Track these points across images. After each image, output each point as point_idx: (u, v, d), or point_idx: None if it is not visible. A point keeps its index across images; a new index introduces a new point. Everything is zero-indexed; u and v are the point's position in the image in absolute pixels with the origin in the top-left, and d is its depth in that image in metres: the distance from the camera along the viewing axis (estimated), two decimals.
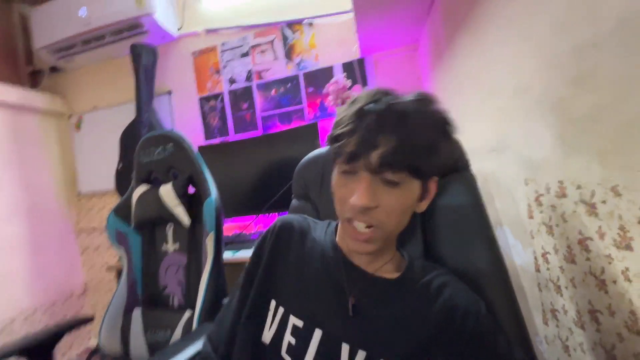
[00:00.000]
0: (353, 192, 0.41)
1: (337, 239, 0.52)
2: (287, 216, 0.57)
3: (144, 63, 1.73)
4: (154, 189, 1.09)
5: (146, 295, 1.10)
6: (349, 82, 1.41)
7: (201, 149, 1.66)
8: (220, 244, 0.97)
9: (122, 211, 1.14)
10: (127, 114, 1.81)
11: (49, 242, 1.93)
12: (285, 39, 1.72)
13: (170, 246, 1.10)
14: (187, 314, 0.97)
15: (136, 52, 1.71)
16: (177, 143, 1.07)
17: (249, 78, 1.78)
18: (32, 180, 1.87)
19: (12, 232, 1.73)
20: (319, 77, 1.66)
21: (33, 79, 2.10)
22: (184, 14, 1.85)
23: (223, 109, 1.83)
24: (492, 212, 0.56)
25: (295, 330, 0.45)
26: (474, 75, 0.91)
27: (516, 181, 0.70)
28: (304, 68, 1.69)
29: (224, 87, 1.82)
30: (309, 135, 1.45)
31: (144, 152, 1.12)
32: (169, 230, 1.11)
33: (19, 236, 1.76)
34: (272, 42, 1.74)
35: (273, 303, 0.48)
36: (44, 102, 1.99)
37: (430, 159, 0.41)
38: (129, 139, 1.75)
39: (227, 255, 1.30)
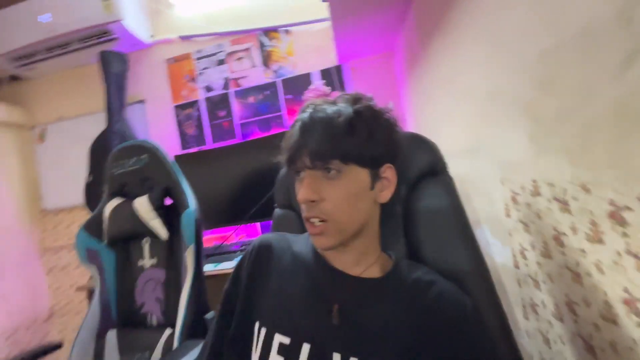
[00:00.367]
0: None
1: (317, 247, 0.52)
2: (265, 235, 0.56)
3: (114, 71, 1.66)
4: (128, 202, 1.04)
5: (121, 315, 1.04)
6: (328, 89, 1.42)
7: (177, 157, 1.61)
8: (200, 257, 0.94)
9: (93, 227, 1.07)
10: (96, 124, 1.72)
11: (9, 264, 1.78)
12: (262, 46, 1.72)
13: (147, 261, 1.05)
14: (167, 333, 0.93)
15: (105, 60, 1.65)
16: (152, 153, 1.03)
17: (226, 86, 1.76)
18: None
19: None
20: (298, 84, 1.66)
21: None
22: (157, 20, 1.81)
23: (199, 117, 1.78)
24: (470, 213, 0.57)
25: (282, 349, 0.44)
26: (448, 80, 0.94)
27: (492, 181, 0.73)
28: (282, 75, 1.69)
29: (200, 95, 1.79)
30: None
31: (117, 163, 1.07)
32: (145, 244, 1.06)
33: None
34: (249, 49, 1.73)
35: (256, 325, 0.47)
36: (3, 113, 1.85)
37: (357, 143, 0.43)
38: (100, 150, 1.66)
39: (209, 267, 1.26)
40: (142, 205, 1.00)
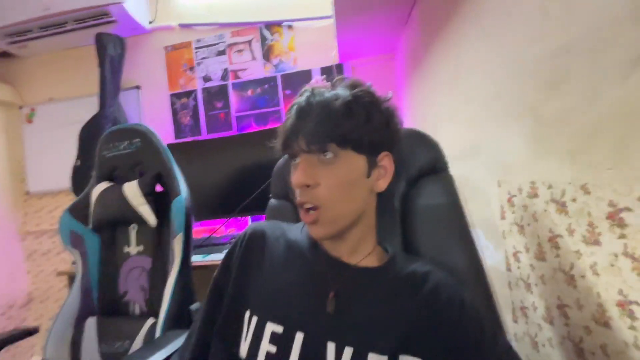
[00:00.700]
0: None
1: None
2: (258, 223, 0.55)
3: (110, 54, 1.62)
4: (117, 186, 1.01)
5: (103, 302, 1.00)
6: (328, 84, 1.41)
7: (171, 146, 1.56)
8: (189, 246, 0.92)
9: (78, 210, 1.04)
10: (87, 108, 1.68)
11: None
12: (263, 39, 1.70)
13: (133, 248, 1.02)
14: (149, 322, 0.90)
15: (102, 42, 1.61)
16: (145, 138, 1.01)
17: (224, 77, 1.74)
18: None
19: None
20: (297, 80, 1.65)
21: None
22: (157, 6, 1.77)
23: (196, 107, 1.76)
24: (466, 214, 0.57)
25: (275, 337, 0.42)
26: (449, 82, 0.94)
27: (489, 183, 0.73)
28: (282, 70, 1.68)
29: (198, 85, 1.76)
30: None
31: (108, 146, 1.04)
32: (132, 231, 1.03)
33: None
34: (249, 42, 1.71)
35: (247, 314, 0.46)
36: None
37: (354, 126, 0.42)
38: (90, 134, 1.61)
39: (197, 258, 1.23)
40: (132, 190, 0.97)
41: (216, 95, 1.74)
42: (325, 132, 0.42)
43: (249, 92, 1.71)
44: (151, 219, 0.97)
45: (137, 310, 0.98)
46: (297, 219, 0.66)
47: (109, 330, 0.93)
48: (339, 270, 0.46)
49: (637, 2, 0.35)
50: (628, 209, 0.38)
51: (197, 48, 1.76)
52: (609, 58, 0.39)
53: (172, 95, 1.78)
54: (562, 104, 0.47)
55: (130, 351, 0.87)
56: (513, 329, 0.71)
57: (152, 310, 0.94)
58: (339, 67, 1.62)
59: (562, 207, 0.49)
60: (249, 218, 1.61)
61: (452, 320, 0.41)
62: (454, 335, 0.40)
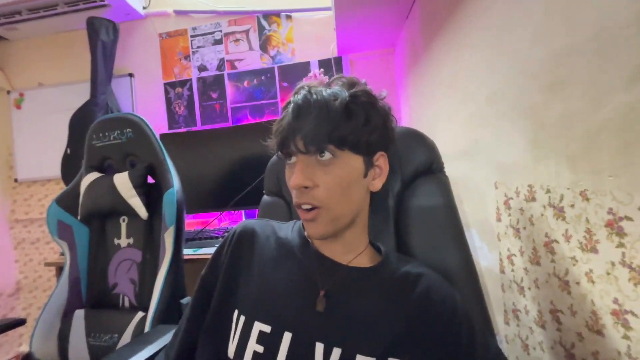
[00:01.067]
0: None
1: (306, 234, 0.50)
2: (248, 221, 0.54)
3: (103, 39, 1.57)
4: (108, 177, 0.99)
5: (91, 294, 0.99)
6: (326, 78, 1.39)
7: (164, 137, 1.54)
8: (180, 239, 0.90)
9: (66, 201, 1.01)
10: (78, 95, 1.63)
11: None
12: (261, 29, 1.66)
13: (124, 240, 1.00)
14: (138, 316, 0.89)
15: (94, 27, 1.55)
16: (137, 128, 0.98)
17: (220, 67, 1.70)
18: None
19: None
20: (295, 72, 1.62)
21: None
22: None
23: (191, 97, 1.72)
24: (460, 215, 0.56)
25: (263, 337, 0.42)
26: (449, 81, 0.93)
27: (486, 185, 0.72)
28: (279, 61, 1.65)
29: (193, 74, 1.72)
30: None
31: (98, 135, 1.01)
32: (123, 223, 1.01)
33: None
34: (247, 31, 1.67)
35: (235, 313, 0.45)
36: None
37: (353, 128, 0.42)
38: (81, 122, 1.57)
39: (188, 251, 1.22)
40: (123, 182, 0.95)
41: (211, 85, 1.70)
42: (324, 134, 0.41)
43: (245, 83, 1.67)
44: (142, 211, 0.95)
45: (126, 304, 0.96)
46: (290, 217, 0.65)
47: (97, 323, 0.92)
48: (330, 270, 0.45)
49: None
50: (628, 218, 0.37)
51: (192, 36, 1.72)
52: (614, 62, 0.38)
53: (166, 84, 1.74)
54: (564, 107, 0.46)
55: (119, 345, 0.86)
56: (504, 331, 0.71)
57: (142, 303, 0.93)
58: (338, 60, 1.60)
59: (559, 212, 0.49)
60: (242, 212, 1.59)
61: (443, 323, 0.41)
62: (444, 339, 0.40)
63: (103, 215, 1.01)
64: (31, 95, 1.82)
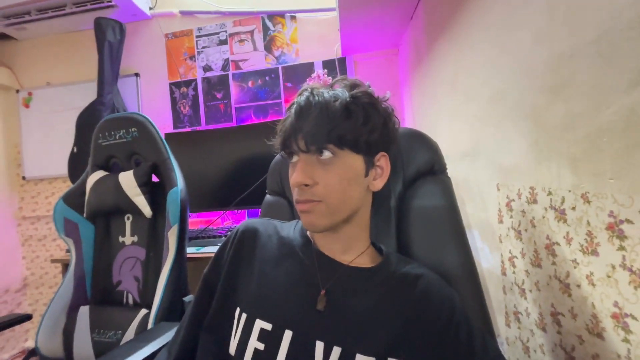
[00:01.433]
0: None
1: (307, 233, 0.51)
2: (251, 220, 0.55)
3: (110, 40, 1.59)
4: (113, 175, 1.00)
5: (96, 291, 1.00)
6: (329, 79, 1.39)
7: (168, 136, 1.56)
8: (183, 238, 0.91)
9: (73, 198, 1.03)
10: (85, 94, 1.66)
11: None
12: (265, 30, 1.67)
13: (128, 238, 1.01)
14: (142, 313, 0.90)
15: (101, 27, 1.58)
16: (143, 127, 0.99)
17: (225, 67, 1.71)
18: None
19: None
20: (299, 72, 1.63)
21: None
22: None
23: (195, 96, 1.73)
24: (462, 216, 0.56)
25: (263, 335, 0.42)
26: (451, 82, 0.93)
27: (488, 186, 0.72)
28: (283, 62, 1.65)
29: (198, 74, 1.73)
30: None
31: (104, 134, 1.03)
32: (127, 221, 1.03)
33: None
34: (251, 32, 1.68)
35: (237, 311, 0.46)
36: None
37: (352, 127, 0.43)
38: (88, 121, 1.59)
39: (191, 250, 1.23)
40: (128, 180, 0.96)
41: (216, 85, 1.71)
42: (324, 133, 0.42)
43: (250, 84, 1.68)
44: (146, 209, 0.96)
45: (130, 301, 0.98)
46: (292, 216, 0.66)
47: (101, 320, 0.93)
48: (331, 269, 0.46)
49: None
50: (629, 221, 0.37)
51: (198, 36, 1.73)
52: (616, 64, 0.38)
53: (171, 84, 1.76)
54: (566, 109, 0.46)
55: (123, 341, 0.87)
56: (505, 333, 0.71)
57: (145, 300, 0.94)
58: (342, 61, 1.60)
59: (561, 215, 0.49)
60: (245, 211, 1.60)
61: (441, 325, 0.41)
62: (443, 340, 0.40)
63: (108, 213, 1.03)
64: (39, 95, 1.85)
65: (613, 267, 0.40)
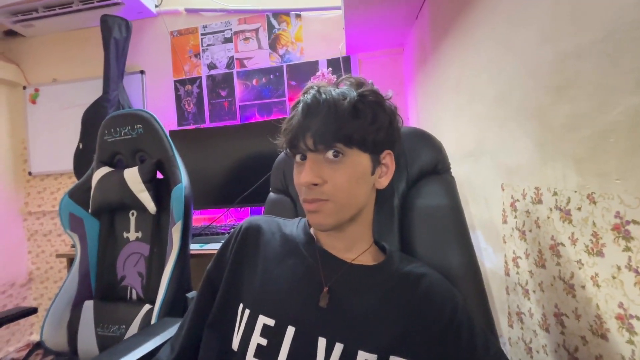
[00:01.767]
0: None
1: (311, 231, 0.51)
2: (254, 217, 0.55)
3: (116, 37, 1.60)
4: (118, 172, 1.01)
5: (100, 286, 1.01)
6: (334, 78, 1.39)
7: (173, 133, 1.57)
8: (187, 235, 0.92)
9: (78, 194, 1.04)
10: (91, 91, 1.67)
11: None
12: (270, 28, 1.67)
13: (132, 234, 1.02)
14: (145, 308, 0.91)
15: (107, 24, 1.58)
16: (148, 124, 1.00)
17: (229, 65, 1.71)
18: None
19: None
20: (303, 71, 1.63)
21: None
22: None
23: (200, 94, 1.74)
24: (466, 216, 0.56)
25: (266, 331, 0.42)
26: (456, 81, 0.92)
27: (492, 186, 0.72)
28: (288, 60, 1.65)
29: (203, 72, 1.74)
30: None
31: (110, 131, 1.03)
32: (132, 217, 1.03)
33: None
34: (256, 30, 1.69)
35: (240, 307, 0.46)
36: None
37: (360, 126, 0.43)
38: (93, 117, 1.60)
39: (195, 247, 1.23)
40: (132, 177, 0.97)
41: (221, 83, 1.72)
42: (333, 132, 0.42)
43: (254, 82, 1.69)
44: (150, 206, 0.97)
45: (134, 296, 0.99)
46: (295, 214, 0.66)
47: (105, 315, 0.94)
48: (334, 266, 0.46)
49: None
50: (635, 222, 0.37)
51: (203, 34, 1.74)
52: (622, 64, 0.37)
53: (176, 82, 1.77)
54: (571, 109, 0.46)
55: (126, 336, 0.88)
56: (508, 334, 0.71)
57: (149, 296, 0.95)
58: (346, 60, 1.60)
59: (566, 215, 0.48)
60: (249, 209, 1.61)
61: (443, 323, 0.41)
62: (444, 339, 0.40)
63: (113, 209, 1.04)
64: (46, 91, 1.87)
65: (618, 268, 0.39)
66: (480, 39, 0.74)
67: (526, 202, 0.59)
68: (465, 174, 0.85)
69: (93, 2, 1.58)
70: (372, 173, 0.46)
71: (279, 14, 1.66)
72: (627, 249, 0.38)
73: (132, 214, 1.03)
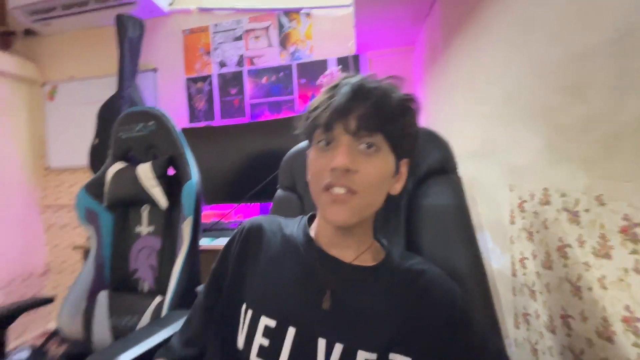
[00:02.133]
0: (332, 160, 0.41)
1: (310, 231, 0.50)
2: (256, 217, 0.55)
3: (130, 36, 1.64)
4: (131, 167, 1.04)
5: (114, 278, 1.05)
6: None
7: (184, 130, 1.59)
8: (197, 230, 0.94)
9: (94, 188, 1.07)
10: (106, 88, 1.71)
11: (9, 217, 1.80)
12: (281, 26, 1.68)
13: (144, 228, 1.05)
14: (157, 300, 0.93)
15: (122, 23, 1.62)
16: (160, 121, 1.02)
17: (240, 63, 1.73)
18: None
19: None
20: (313, 69, 1.63)
21: (4, 40, 1.94)
22: None
23: (211, 92, 1.77)
24: (474, 216, 0.56)
25: (268, 331, 0.43)
26: (465, 81, 0.92)
27: (500, 187, 0.72)
28: (298, 58, 1.66)
29: (214, 70, 1.76)
30: None
31: (124, 127, 1.06)
32: (144, 211, 1.06)
33: None
34: (267, 28, 1.70)
35: (243, 307, 0.47)
36: (15, 67, 1.85)
37: (402, 125, 0.43)
38: (108, 114, 1.65)
39: (205, 242, 1.26)
40: (145, 172, 1.00)
41: (231, 81, 1.74)
42: (381, 120, 0.41)
43: (264, 80, 1.70)
44: (162, 201, 0.99)
45: (145, 288, 1.02)
46: (302, 211, 0.67)
47: (119, 305, 0.98)
48: (332, 268, 0.46)
49: None
50: None
51: (214, 32, 1.76)
52: (633, 65, 0.37)
53: (188, 79, 1.80)
54: (582, 110, 0.45)
55: (139, 326, 0.91)
56: (514, 335, 0.70)
57: (160, 288, 0.98)
58: (355, 58, 1.59)
59: (574, 217, 0.48)
60: (258, 205, 1.63)
61: (441, 320, 0.41)
62: (441, 336, 0.41)
63: (126, 204, 1.07)
64: (63, 88, 1.92)
65: (626, 270, 0.39)
66: (490, 37, 0.74)
67: (534, 203, 0.59)
68: (474, 173, 0.85)
69: (108, 2, 1.62)
70: (393, 176, 0.45)
71: (289, 12, 1.67)
72: (635, 251, 0.38)
73: (145, 209, 1.06)
